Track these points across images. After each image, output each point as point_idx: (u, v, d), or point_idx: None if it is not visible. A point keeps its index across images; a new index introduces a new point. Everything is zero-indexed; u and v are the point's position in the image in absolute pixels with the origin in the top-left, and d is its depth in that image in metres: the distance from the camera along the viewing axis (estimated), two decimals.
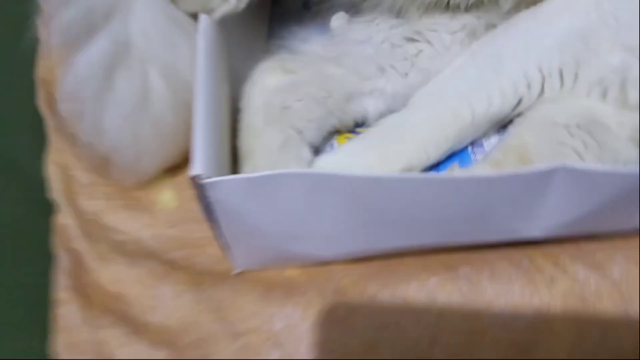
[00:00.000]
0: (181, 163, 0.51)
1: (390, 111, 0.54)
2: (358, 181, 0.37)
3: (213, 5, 0.46)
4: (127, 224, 0.51)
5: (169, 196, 0.53)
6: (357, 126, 0.55)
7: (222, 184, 0.35)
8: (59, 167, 0.54)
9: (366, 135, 0.51)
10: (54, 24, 0.45)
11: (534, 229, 0.42)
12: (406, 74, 0.54)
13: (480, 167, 0.47)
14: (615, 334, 0.42)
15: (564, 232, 0.44)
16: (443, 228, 0.42)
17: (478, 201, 0.39)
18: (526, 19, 0.51)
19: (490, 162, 0.47)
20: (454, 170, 0.47)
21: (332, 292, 0.44)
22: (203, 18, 0.46)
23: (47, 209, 0.52)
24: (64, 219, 0.51)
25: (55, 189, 0.53)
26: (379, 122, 0.52)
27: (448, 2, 0.52)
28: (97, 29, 0.45)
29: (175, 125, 0.48)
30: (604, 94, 0.48)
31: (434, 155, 0.49)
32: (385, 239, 0.43)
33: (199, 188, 0.36)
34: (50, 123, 0.57)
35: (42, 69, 0.62)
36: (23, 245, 0.53)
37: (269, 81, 0.51)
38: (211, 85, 0.42)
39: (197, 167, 0.35)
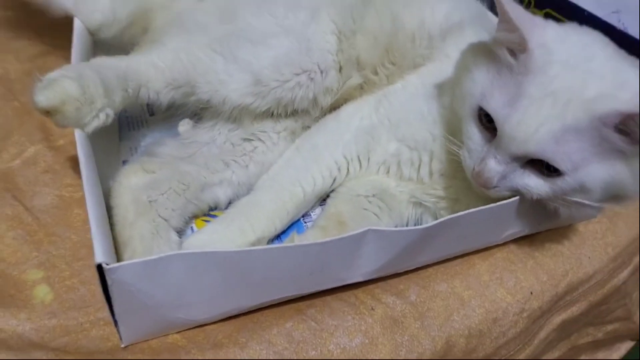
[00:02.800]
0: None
1: (237, 197, 0.67)
2: (229, 255, 0.48)
3: (85, 122, 0.55)
4: (5, 321, 0.54)
5: (44, 291, 0.57)
6: (211, 210, 0.67)
7: (121, 268, 0.44)
8: None
9: (225, 216, 0.63)
10: None
11: (357, 276, 0.58)
12: (247, 166, 0.68)
13: (311, 232, 0.62)
14: (417, 340, 0.58)
15: (377, 274, 0.59)
16: (295, 283, 0.55)
17: (318, 260, 0.52)
18: (330, 120, 0.70)
19: (318, 228, 0.62)
20: (295, 237, 0.60)
21: (211, 347, 0.53)
22: (78, 133, 0.54)
23: None
24: None
25: None
26: (233, 205, 0.65)
27: (272, 112, 0.68)
28: None
29: None
30: (387, 171, 0.67)
31: (280, 227, 0.63)
32: (252, 298, 0.54)
33: (102, 273, 0.44)
34: None
35: None
36: None
37: (134, 180, 0.61)
38: (94, 186, 0.51)
39: (99, 256, 0.44)
